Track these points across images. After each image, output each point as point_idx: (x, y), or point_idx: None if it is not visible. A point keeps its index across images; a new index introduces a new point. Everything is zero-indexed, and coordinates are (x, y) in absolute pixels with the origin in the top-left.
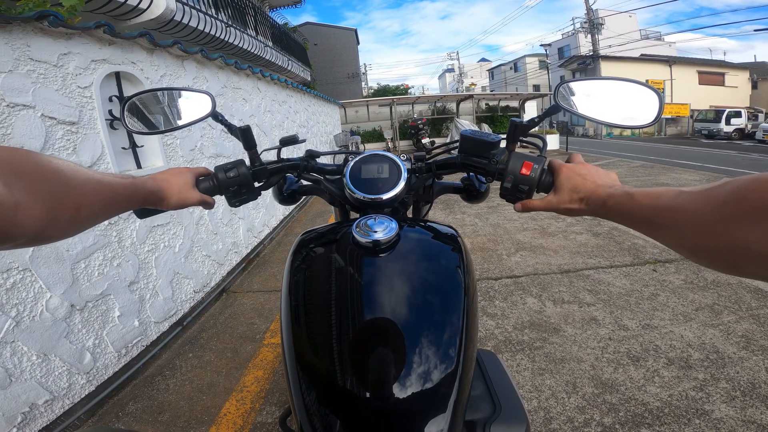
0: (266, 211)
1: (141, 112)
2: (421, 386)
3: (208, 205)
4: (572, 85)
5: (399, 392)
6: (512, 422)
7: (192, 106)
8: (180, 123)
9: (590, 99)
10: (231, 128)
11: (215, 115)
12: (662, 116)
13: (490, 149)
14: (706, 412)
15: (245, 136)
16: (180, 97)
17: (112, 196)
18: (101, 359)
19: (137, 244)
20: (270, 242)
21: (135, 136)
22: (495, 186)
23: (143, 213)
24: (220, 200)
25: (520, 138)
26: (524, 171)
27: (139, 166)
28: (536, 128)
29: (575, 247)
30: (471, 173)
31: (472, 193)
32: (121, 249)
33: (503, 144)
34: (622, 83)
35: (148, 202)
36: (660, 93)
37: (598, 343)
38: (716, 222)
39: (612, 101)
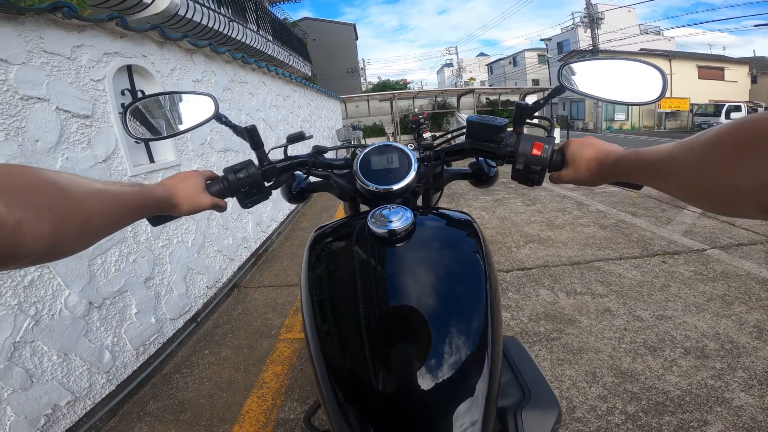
0: (273, 206)
1: (144, 118)
2: (451, 376)
3: (221, 209)
4: (575, 65)
5: (430, 383)
6: (544, 407)
7: (195, 108)
8: (183, 127)
9: (594, 78)
10: (236, 129)
11: (219, 117)
12: (665, 97)
13: (498, 133)
14: (726, 400)
15: (252, 136)
16: (182, 100)
17: (120, 206)
18: (120, 358)
19: (152, 239)
20: (278, 237)
21: None
22: (503, 171)
23: (156, 221)
24: (229, 201)
25: (527, 120)
26: (535, 152)
27: (152, 160)
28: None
29: (583, 239)
30: (480, 158)
31: (481, 178)
32: (136, 244)
33: (509, 129)
34: (625, 62)
35: (159, 209)
36: (663, 70)
37: (614, 334)
38: (706, 165)
39: (615, 80)
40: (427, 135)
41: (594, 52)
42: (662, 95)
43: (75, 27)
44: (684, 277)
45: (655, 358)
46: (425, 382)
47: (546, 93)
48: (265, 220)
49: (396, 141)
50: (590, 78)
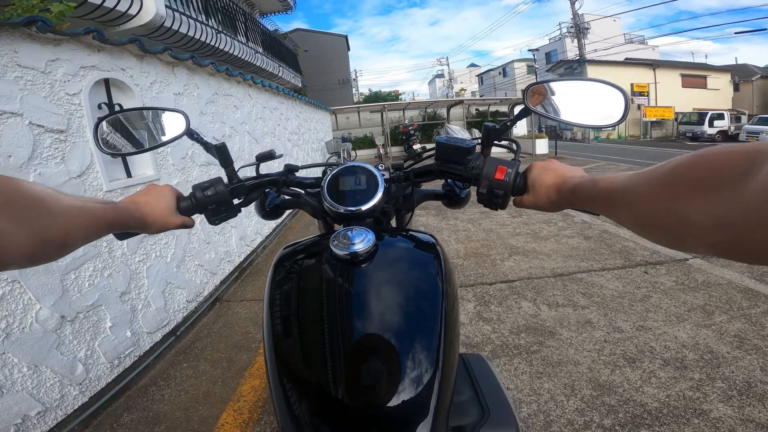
0: (258, 220)
1: (115, 133)
2: (401, 393)
3: (188, 226)
4: (540, 87)
5: (380, 400)
6: (501, 427)
7: (166, 125)
8: (153, 144)
9: (559, 100)
10: (207, 146)
11: (190, 134)
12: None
13: (466, 155)
14: (704, 411)
15: (221, 153)
16: (153, 116)
17: (94, 221)
18: (93, 370)
19: (128, 254)
20: (263, 251)
21: None
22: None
23: (123, 236)
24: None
25: (495, 142)
26: (498, 176)
27: (129, 174)
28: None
29: (567, 251)
30: (449, 180)
31: (453, 199)
32: (111, 259)
33: (479, 149)
34: (588, 83)
35: (129, 227)
36: (624, 91)
37: (594, 346)
38: (660, 198)
39: (580, 101)
40: (417, 146)
41: (581, 62)
42: (623, 118)
43: (50, 41)
44: (665, 287)
45: (633, 370)
46: (375, 399)
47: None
48: (250, 234)
49: (387, 152)
50: (554, 100)
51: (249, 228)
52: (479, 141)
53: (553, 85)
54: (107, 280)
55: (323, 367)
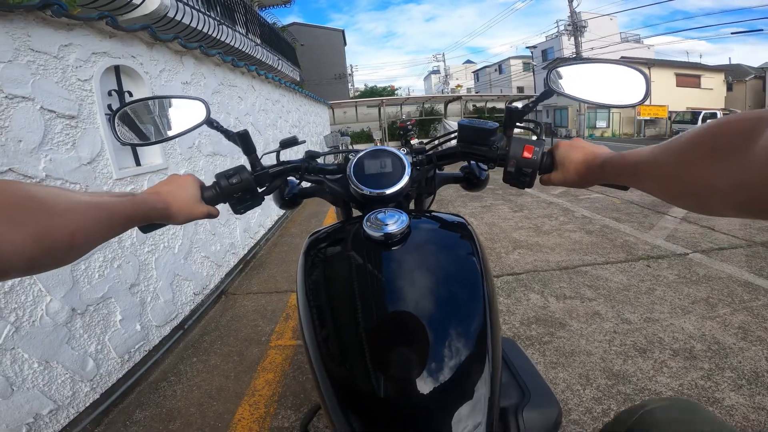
0: (261, 212)
1: (132, 122)
2: (452, 378)
3: (213, 216)
4: (562, 69)
5: (431, 386)
6: (544, 407)
7: (185, 113)
8: (173, 132)
9: (580, 82)
10: (228, 134)
11: (210, 122)
12: (645, 105)
13: (489, 136)
14: (718, 400)
15: (244, 141)
16: (172, 105)
17: (108, 217)
18: (104, 365)
19: (137, 244)
20: (266, 243)
21: None
22: (494, 174)
23: (147, 228)
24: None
25: (516, 123)
26: (526, 154)
27: (138, 163)
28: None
29: (570, 245)
30: (472, 162)
31: (472, 182)
32: (121, 250)
33: (499, 132)
34: (610, 65)
35: (152, 218)
36: (646, 74)
37: (604, 336)
38: (684, 167)
39: (601, 83)
40: (414, 141)
41: (577, 60)
42: (646, 98)
43: (64, 25)
44: (668, 280)
45: (645, 360)
46: (426, 386)
47: (531, 97)
48: (253, 226)
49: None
50: (576, 81)
51: (252, 220)
52: (500, 124)
53: (573, 67)
54: (117, 271)
55: (372, 354)
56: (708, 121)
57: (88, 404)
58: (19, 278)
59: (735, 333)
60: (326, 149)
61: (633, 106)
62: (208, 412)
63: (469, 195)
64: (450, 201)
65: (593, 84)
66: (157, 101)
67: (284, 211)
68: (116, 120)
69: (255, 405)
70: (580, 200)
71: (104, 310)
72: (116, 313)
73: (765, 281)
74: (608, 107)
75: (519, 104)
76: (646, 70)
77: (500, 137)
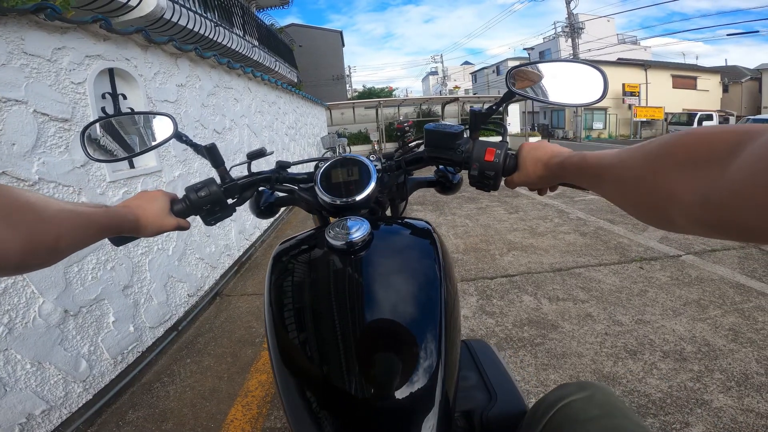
0: None
1: (102, 139)
2: (405, 381)
3: (184, 228)
4: (523, 70)
5: (385, 391)
6: (510, 409)
7: (154, 128)
8: (142, 147)
9: (541, 82)
10: (196, 148)
11: (178, 136)
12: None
13: (455, 140)
14: (706, 401)
15: (211, 154)
16: (140, 121)
17: (86, 225)
18: (97, 366)
19: (131, 246)
20: (261, 245)
21: None
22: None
23: (119, 241)
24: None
25: (482, 126)
26: (488, 157)
27: (132, 165)
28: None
29: (564, 247)
30: (441, 166)
31: (445, 185)
32: (114, 252)
33: (467, 135)
34: (569, 64)
35: (123, 230)
36: (602, 71)
37: (596, 338)
38: (648, 174)
39: (561, 83)
40: (411, 143)
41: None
42: (603, 96)
43: (57, 29)
44: (661, 282)
45: (635, 362)
46: (378, 391)
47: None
48: (249, 227)
49: (381, 148)
50: (537, 82)
51: (248, 222)
52: (466, 126)
53: (534, 67)
54: (110, 273)
55: (327, 359)
56: (684, 129)
57: (80, 405)
58: (12, 280)
59: (725, 335)
60: (323, 150)
61: (590, 104)
62: (201, 413)
63: (465, 197)
64: (446, 203)
65: (554, 84)
66: (126, 117)
67: (263, 219)
68: (86, 137)
69: (248, 406)
70: (575, 202)
71: (97, 311)
72: (109, 314)
73: (757, 283)
74: (566, 107)
75: (513, 108)
76: (641, 76)
77: (466, 141)
